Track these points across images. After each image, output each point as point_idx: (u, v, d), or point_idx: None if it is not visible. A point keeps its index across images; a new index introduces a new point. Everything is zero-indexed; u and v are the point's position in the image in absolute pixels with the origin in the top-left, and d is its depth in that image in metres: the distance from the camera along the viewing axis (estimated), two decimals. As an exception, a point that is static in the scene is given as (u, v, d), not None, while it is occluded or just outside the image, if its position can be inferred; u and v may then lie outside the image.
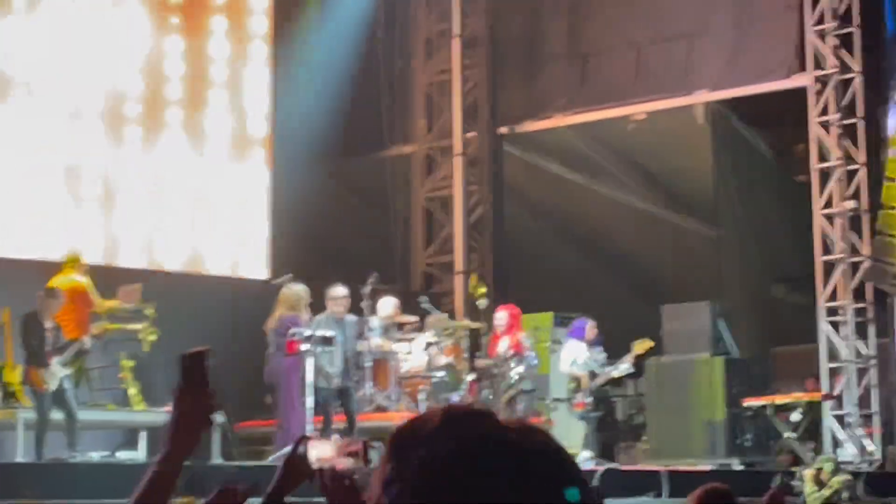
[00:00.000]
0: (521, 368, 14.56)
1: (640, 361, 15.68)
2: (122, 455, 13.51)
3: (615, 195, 20.14)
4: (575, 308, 16.43)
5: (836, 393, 16.39)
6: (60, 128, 15.51)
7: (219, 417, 11.39)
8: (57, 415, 12.34)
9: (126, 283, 14.56)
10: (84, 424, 12.83)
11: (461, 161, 19.48)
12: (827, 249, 16.65)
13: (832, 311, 16.59)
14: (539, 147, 20.09)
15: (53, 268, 13.95)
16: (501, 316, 14.88)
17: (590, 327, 15.27)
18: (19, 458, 12.22)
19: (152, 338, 13.91)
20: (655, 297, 17.71)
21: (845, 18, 16.64)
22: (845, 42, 16.70)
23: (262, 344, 13.44)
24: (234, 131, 17.02)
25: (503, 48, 19.74)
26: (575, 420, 14.97)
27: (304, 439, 3.17)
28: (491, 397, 14.73)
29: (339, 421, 13.42)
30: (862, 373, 16.48)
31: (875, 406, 16.45)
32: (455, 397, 14.61)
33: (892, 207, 15.84)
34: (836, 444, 16.17)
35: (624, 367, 15.12)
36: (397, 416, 14.15)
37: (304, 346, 12.91)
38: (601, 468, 13.25)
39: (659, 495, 13.21)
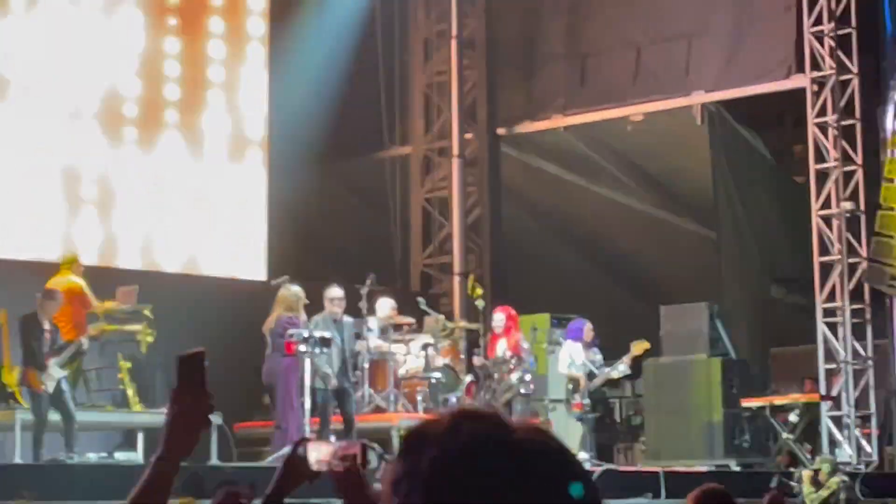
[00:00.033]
0: (520, 373, 14.56)
1: (637, 362, 15.69)
2: (120, 456, 13.50)
3: (613, 196, 20.14)
4: (573, 309, 16.44)
5: (833, 394, 16.40)
6: (58, 129, 15.51)
7: (216, 418, 11.37)
8: (54, 416, 12.34)
9: (123, 284, 14.55)
10: (82, 425, 12.83)
11: (459, 162, 19.47)
12: (825, 250, 16.66)
13: (830, 312, 16.60)
14: (537, 148, 20.09)
15: (51, 269, 13.95)
16: (499, 317, 14.89)
17: (587, 329, 15.28)
18: (17, 460, 12.21)
19: (150, 339, 13.91)
20: (653, 297, 17.71)
21: (843, 20, 16.65)
22: (843, 43, 16.71)
23: (260, 345, 13.44)
24: (232, 132, 17.01)
25: (501, 49, 19.75)
26: (573, 421, 14.97)
27: (303, 441, 3.18)
28: (488, 397, 14.73)
29: (336, 422, 13.41)
30: (859, 374, 16.49)
31: (872, 407, 16.46)
32: (453, 398, 14.61)
33: (891, 208, 15.85)
34: (834, 444, 16.19)
35: (621, 368, 15.13)
36: (395, 417, 14.16)
37: (302, 347, 12.91)
38: (599, 469, 13.26)
39: (657, 496, 13.22)
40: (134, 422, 13.83)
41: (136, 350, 14.06)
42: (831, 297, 16.58)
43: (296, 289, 13.48)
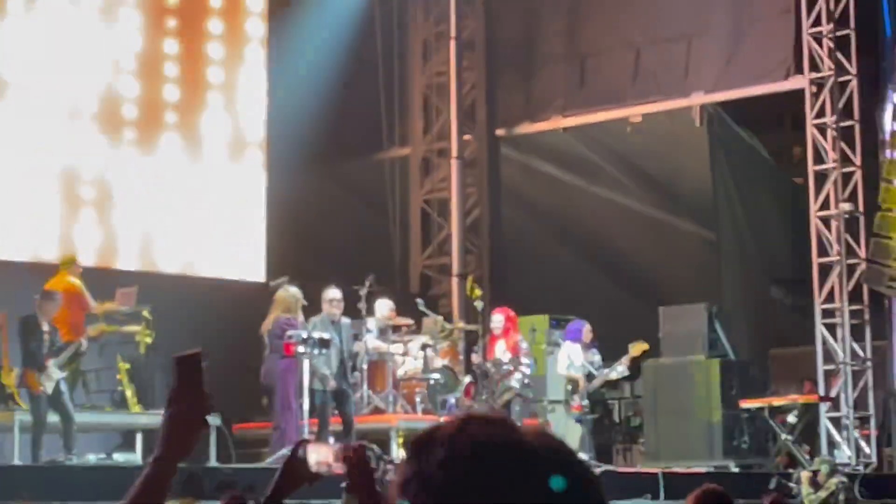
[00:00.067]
0: (519, 374, 14.56)
1: (636, 363, 15.69)
2: (119, 457, 13.50)
3: (613, 197, 20.14)
4: (572, 310, 16.44)
5: (832, 395, 16.40)
6: (57, 130, 15.50)
7: (215, 420, 11.35)
8: (53, 417, 12.34)
9: (123, 285, 14.56)
10: (80, 426, 12.83)
11: (458, 163, 19.48)
12: (823, 251, 16.66)
13: (829, 313, 16.60)
14: (536, 149, 20.09)
15: (49, 270, 13.96)
16: (498, 318, 14.89)
17: (587, 330, 15.28)
18: (16, 461, 12.21)
19: (149, 340, 13.92)
20: (652, 299, 17.71)
21: (842, 21, 16.65)
22: (842, 44, 16.72)
23: (259, 346, 13.44)
24: (231, 134, 17.01)
25: (500, 50, 19.75)
26: (572, 422, 14.97)
27: (303, 442, 3.18)
28: (486, 398, 14.73)
29: (335, 423, 13.41)
30: (858, 375, 16.50)
31: (871, 408, 16.46)
32: (451, 399, 14.62)
33: (889, 210, 15.85)
34: (833, 445, 16.19)
35: (620, 369, 15.13)
36: (394, 419, 14.16)
37: (300, 349, 12.90)
38: (598, 470, 13.25)
39: (656, 497, 13.22)
40: (133, 423, 13.83)
41: (135, 351, 14.07)
42: (830, 298, 16.58)
43: (294, 290, 13.48)
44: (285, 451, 12.32)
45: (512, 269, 19.82)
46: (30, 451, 12.21)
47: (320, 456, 3.08)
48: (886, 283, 15.99)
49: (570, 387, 15.22)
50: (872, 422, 16.50)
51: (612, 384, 16.00)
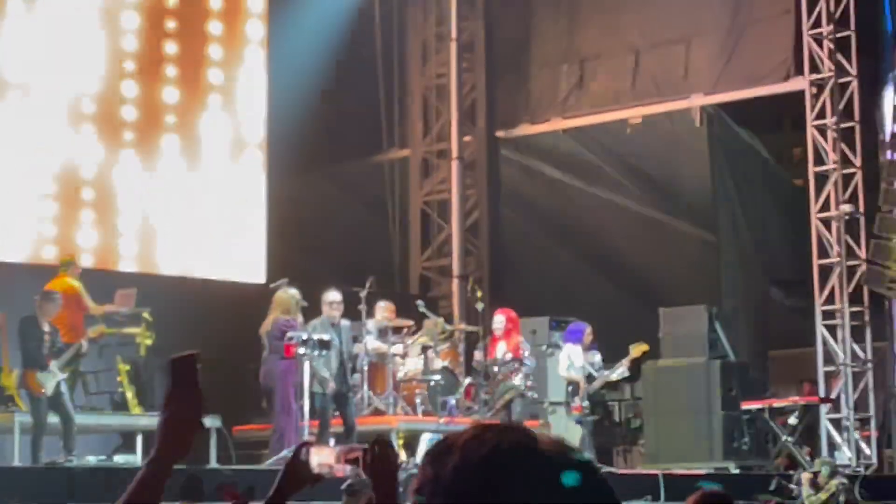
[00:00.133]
0: (522, 374, 14.55)
1: (636, 365, 15.68)
2: (119, 459, 13.51)
3: (612, 198, 20.13)
4: (572, 312, 16.43)
5: (832, 396, 16.40)
6: (56, 131, 15.50)
7: (215, 421, 11.34)
8: (53, 419, 12.34)
9: (122, 287, 14.56)
10: (81, 428, 12.83)
11: (458, 165, 19.48)
12: (824, 253, 16.66)
13: (829, 315, 16.60)
14: (536, 151, 20.08)
15: (49, 271, 13.96)
16: (499, 319, 14.88)
17: (587, 332, 15.28)
18: (16, 462, 12.21)
19: (149, 342, 13.91)
20: (652, 300, 17.69)
21: (842, 22, 16.65)
22: (842, 46, 16.71)
23: (259, 348, 13.44)
24: (231, 135, 17.00)
25: (500, 52, 19.75)
26: (572, 424, 14.96)
27: (305, 444, 3.18)
28: (486, 398, 14.73)
29: (336, 425, 13.40)
30: (858, 376, 16.49)
31: (871, 409, 16.46)
32: (452, 401, 14.61)
33: (890, 211, 15.85)
34: (833, 447, 16.19)
35: (620, 370, 15.13)
36: (394, 420, 14.15)
37: (301, 350, 12.90)
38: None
39: (656, 499, 13.21)
40: (133, 424, 13.83)
41: (135, 353, 14.07)
42: (830, 299, 16.58)
43: (292, 291, 13.47)
44: (286, 452, 12.34)
45: (512, 270, 19.82)
46: (30, 452, 12.20)
47: (322, 458, 3.08)
48: (887, 285, 15.99)
49: (570, 388, 15.21)
50: (873, 423, 16.49)
51: (613, 385, 15.99)
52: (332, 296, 13.53)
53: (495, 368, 14.68)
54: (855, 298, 16.51)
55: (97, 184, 15.80)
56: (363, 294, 14.46)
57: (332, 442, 13.05)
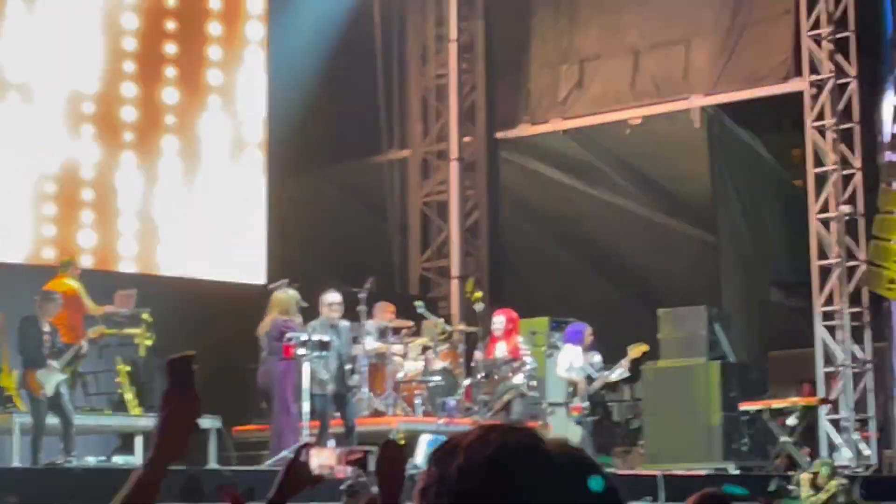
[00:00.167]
0: (523, 374, 14.54)
1: (636, 366, 15.68)
2: (119, 460, 13.50)
3: (612, 199, 20.14)
4: (571, 312, 16.44)
5: (832, 397, 16.40)
6: (56, 131, 15.50)
7: (215, 422, 11.34)
8: (53, 419, 12.33)
9: (122, 287, 14.56)
10: (80, 429, 12.82)
11: (458, 165, 19.49)
12: (823, 254, 16.66)
13: (828, 316, 16.60)
14: (536, 151, 20.09)
15: (48, 271, 13.95)
16: (499, 320, 14.87)
17: (587, 333, 15.28)
18: (16, 463, 12.21)
19: (148, 342, 13.91)
20: (652, 301, 17.70)
21: (841, 23, 16.65)
22: (841, 47, 16.71)
23: (259, 348, 13.44)
24: (231, 136, 17.01)
25: (500, 52, 19.75)
26: (571, 424, 14.96)
27: (305, 446, 3.19)
28: (485, 398, 14.72)
29: (336, 426, 13.39)
30: (858, 377, 16.49)
31: (871, 410, 16.46)
32: (451, 402, 14.61)
33: (889, 212, 15.85)
34: (833, 448, 16.19)
35: (620, 371, 15.13)
36: (394, 421, 14.15)
37: (300, 351, 12.89)
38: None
39: (656, 500, 13.21)
40: (132, 425, 13.83)
41: (135, 354, 14.07)
42: (830, 300, 16.58)
43: (291, 292, 13.47)
44: (286, 453, 12.34)
45: (511, 271, 19.83)
46: (29, 453, 12.20)
47: (322, 459, 3.08)
48: (886, 286, 15.99)
49: (569, 389, 15.21)
50: (872, 424, 16.49)
51: (612, 386, 15.99)
52: (332, 297, 13.52)
53: (495, 369, 14.68)
54: (854, 299, 16.51)
55: (97, 184, 15.80)
56: (363, 295, 14.46)
57: (331, 443, 13.05)
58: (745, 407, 15.95)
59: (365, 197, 20.52)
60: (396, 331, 15.26)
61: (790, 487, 13.84)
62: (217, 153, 16.84)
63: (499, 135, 19.75)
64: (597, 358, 15.32)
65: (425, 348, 15.19)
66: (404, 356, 15.12)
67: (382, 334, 14.97)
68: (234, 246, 16.81)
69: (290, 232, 17.47)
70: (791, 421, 15.82)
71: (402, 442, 13.44)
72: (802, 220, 17.09)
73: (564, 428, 14.85)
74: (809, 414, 16.05)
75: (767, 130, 19.67)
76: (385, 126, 19.64)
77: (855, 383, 16.45)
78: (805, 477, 13.81)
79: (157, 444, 2.55)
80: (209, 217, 16.63)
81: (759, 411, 15.90)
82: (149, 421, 13.22)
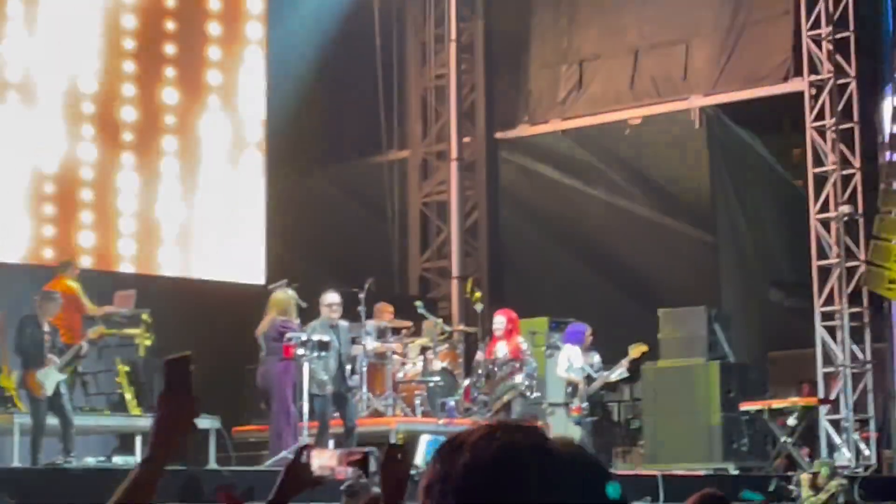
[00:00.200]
0: (524, 374, 14.54)
1: (636, 366, 15.68)
2: (118, 460, 13.49)
3: (611, 200, 20.13)
4: (571, 313, 16.44)
5: (832, 397, 16.40)
6: (55, 131, 15.50)
7: (215, 422, 11.34)
8: (53, 420, 12.33)
9: (121, 288, 14.56)
10: (80, 429, 12.82)
11: (457, 166, 19.48)
12: (823, 254, 16.66)
13: (828, 316, 16.60)
14: (535, 151, 20.08)
15: (47, 271, 13.95)
16: (500, 320, 14.85)
17: (587, 334, 15.28)
18: (15, 463, 12.21)
19: (148, 343, 13.91)
20: (652, 301, 17.70)
21: (841, 23, 16.65)
22: (841, 47, 16.71)
23: (258, 349, 13.43)
24: (230, 136, 17.00)
25: (499, 52, 19.75)
26: (571, 424, 14.96)
27: (306, 447, 3.19)
28: (483, 397, 14.72)
29: (336, 426, 13.38)
30: (858, 377, 16.49)
31: (871, 410, 16.46)
32: (451, 402, 14.61)
33: (889, 212, 15.84)
34: (832, 448, 16.18)
35: (620, 371, 15.13)
36: (393, 421, 14.15)
37: (300, 351, 12.89)
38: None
39: (655, 500, 13.21)
40: (132, 425, 13.82)
41: (135, 354, 14.07)
42: (829, 300, 16.58)
43: (290, 292, 13.47)
44: (285, 453, 12.34)
45: (511, 271, 19.82)
46: (29, 453, 12.20)
47: (323, 461, 3.07)
48: (886, 286, 15.98)
49: (569, 389, 15.22)
50: (872, 424, 16.49)
51: (612, 386, 15.99)
52: (331, 297, 13.52)
53: (496, 369, 14.67)
54: (854, 299, 16.51)
55: (96, 184, 15.80)
56: (362, 295, 14.46)
57: (331, 444, 13.05)
58: (744, 407, 15.95)
59: (364, 197, 20.51)
60: (396, 331, 15.25)
61: (790, 488, 13.84)
62: (216, 153, 16.84)
63: (498, 135, 19.75)
64: (596, 358, 15.33)
65: (425, 349, 15.18)
66: (404, 356, 15.12)
67: (381, 335, 14.97)
68: (233, 246, 16.81)
69: (290, 232, 17.47)
70: (791, 421, 15.82)
71: (402, 442, 13.45)
72: (802, 220, 17.09)
73: (564, 428, 14.85)
74: (809, 414, 16.05)
75: (767, 130, 19.66)
76: (384, 126, 19.63)
77: (854, 383, 16.44)
78: (805, 477, 13.81)
79: (153, 445, 2.56)
80: (208, 217, 16.63)
81: (759, 411, 15.90)
82: (148, 421, 13.16)
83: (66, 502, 10.28)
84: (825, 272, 16.62)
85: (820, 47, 16.79)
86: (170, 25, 16.61)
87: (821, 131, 16.80)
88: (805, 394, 16.62)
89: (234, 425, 14.53)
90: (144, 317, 14.01)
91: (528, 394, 14.63)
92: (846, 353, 16.45)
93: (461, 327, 16.63)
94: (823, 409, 16.32)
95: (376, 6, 18.93)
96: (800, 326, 17.39)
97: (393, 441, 13.17)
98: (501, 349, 14.70)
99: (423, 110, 19.91)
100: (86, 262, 15.18)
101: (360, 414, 14.03)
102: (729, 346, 16.54)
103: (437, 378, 14.91)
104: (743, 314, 18.52)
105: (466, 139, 19.61)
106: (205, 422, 13.10)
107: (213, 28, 17.04)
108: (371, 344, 14.62)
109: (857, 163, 16.61)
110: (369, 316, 14.73)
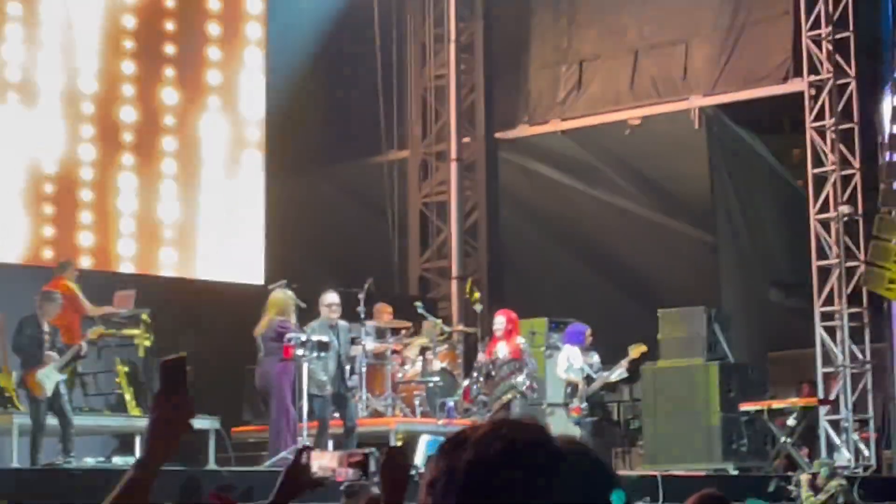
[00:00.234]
0: (524, 374, 14.53)
1: (635, 366, 15.68)
2: (118, 460, 13.49)
3: (611, 200, 20.13)
4: (571, 313, 16.44)
5: (831, 398, 16.40)
6: (55, 131, 15.49)
7: (214, 422, 11.34)
8: (52, 420, 12.33)
9: (121, 288, 14.56)
10: (79, 430, 12.81)
11: (457, 166, 19.48)
12: (822, 254, 16.65)
13: (828, 316, 16.60)
14: (535, 152, 20.08)
15: (46, 272, 13.95)
16: (500, 320, 14.85)
17: (587, 334, 15.28)
18: (15, 464, 12.20)
19: (147, 343, 13.91)
20: (651, 301, 17.70)
21: (841, 23, 16.64)
22: (841, 47, 16.71)
23: (257, 349, 13.43)
24: (230, 136, 17.01)
25: (499, 53, 19.75)
26: (571, 425, 14.96)
27: (306, 449, 3.18)
28: (481, 397, 14.72)
29: (336, 426, 13.38)
30: (857, 377, 16.49)
31: (870, 411, 16.46)
32: (450, 402, 14.61)
33: (889, 212, 15.84)
34: (832, 448, 16.18)
35: (619, 371, 15.13)
36: (393, 422, 14.15)
37: (300, 351, 12.88)
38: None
39: (655, 500, 13.21)
40: (131, 426, 13.82)
41: (134, 354, 14.07)
42: (829, 300, 16.58)
43: (288, 292, 13.46)
44: (285, 453, 12.34)
45: (511, 271, 19.82)
46: (28, 454, 12.19)
47: (323, 462, 3.07)
48: (885, 286, 15.98)
49: (569, 390, 15.21)
50: (872, 424, 16.49)
51: (611, 387, 15.99)
52: (330, 297, 13.52)
53: (496, 369, 14.67)
54: (854, 300, 16.50)
55: (96, 185, 15.80)
56: (361, 296, 14.45)
57: (330, 444, 13.05)
58: (744, 407, 15.94)
59: (364, 198, 20.51)
60: (395, 332, 15.25)
61: (789, 488, 13.84)
62: (216, 154, 16.84)
63: (498, 135, 19.75)
64: (596, 358, 15.33)
65: (424, 349, 15.18)
66: (403, 357, 15.11)
67: (381, 335, 14.97)
68: (232, 246, 16.81)
69: (289, 233, 17.46)
70: (790, 421, 15.81)
71: (401, 443, 13.46)
72: (802, 220, 17.09)
73: (563, 429, 14.83)
74: (809, 414, 16.05)
75: (767, 130, 19.66)
76: (384, 127, 19.62)
77: (854, 384, 16.44)
78: (804, 477, 13.81)
79: (148, 446, 2.56)
80: (208, 217, 16.63)
81: (759, 412, 15.90)
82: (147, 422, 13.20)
83: (65, 503, 10.28)
84: (825, 272, 16.62)
85: (820, 47, 16.79)
86: (169, 26, 16.61)
87: (821, 131, 16.80)
88: (805, 394, 16.62)
89: (233, 425, 14.52)
90: (144, 317, 14.01)
91: (528, 394, 14.63)
92: (846, 353, 16.45)
93: (461, 328, 16.63)
94: (823, 410, 16.32)
95: (376, 6, 18.93)
96: (799, 326, 17.39)
97: (393, 443, 13.17)
98: (502, 349, 14.70)
99: (423, 110, 19.91)
100: (85, 262, 15.18)
101: (360, 414, 14.02)
102: (729, 346, 16.53)
103: (436, 378, 14.91)
104: (743, 314, 18.51)
105: (466, 139, 19.61)
106: (204, 422, 13.10)
107: (213, 28, 17.04)
108: (370, 344, 14.61)
109: (856, 163, 16.61)
110: (369, 316, 14.72)
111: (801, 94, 16.94)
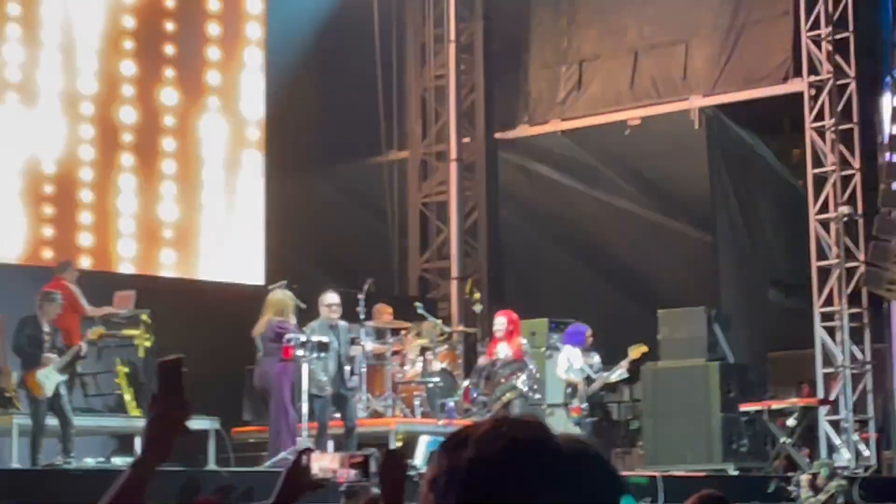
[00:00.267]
0: (525, 375, 14.53)
1: (635, 366, 15.68)
2: (118, 461, 13.49)
3: (611, 200, 20.13)
4: (571, 313, 16.44)
5: (831, 398, 16.40)
6: (55, 132, 15.50)
7: (214, 423, 11.32)
8: (52, 421, 12.32)
9: (121, 288, 14.56)
10: (79, 430, 12.81)
11: (457, 166, 19.47)
12: (822, 255, 16.65)
13: (828, 317, 16.60)
14: (535, 152, 20.08)
15: (46, 272, 13.95)
16: (500, 321, 14.85)
17: (587, 335, 15.28)
18: (15, 464, 12.20)
19: (147, 343, 13.91)
20: (651, 302, 17.70)
21: (840, 24, 16.64)
22: (840, 47, 16.71)
23: (257, 350, 13.43)
24: (230, 137, 17.01)
25: (499, 53, 19.74)
26: (571, 425, 14.96)
27: (306, 451, 3.18)
28: (481, 397, 14.71)
29: (335, 426, 13.38)
30: (857, 378, 16.49)
31: (870, 411, 16.46)
32: (450, 403, 14.60)
33: (889, 212, 15.83)
34: (832, 449, 16.18)
35: (619, 372, 15.13)
36: (393, 422, 14.15)
37: (300, 352, 12.88)
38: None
39: (655, 501, 13.21)
40: (131, 427, 13.82)
41: (134, 355, 14.07)
42: (829, 301, 16.58)
43: (287, 292, 13.46)
44: (284, 454, 12.33)
45: (510, 272, 19.81)
46: (28, 454, 12.19)
47: (323, 464, 3.07)
48: (885, 286, 15.98)
49: (569, 390, 15.21)
50: (872, 425, 16.49)
51: (611, 387, 15.99)
52: (330, 298, 13.51)
53: (496, 370, 14.67)
54: (854, 300, 16.50)
55: (96, 185, 15.80)
56: (361, 296, 14.45)
57: (330, 445, 13.05)
58: (744, 408, 15.95)
59: (364, 198, 20.51)
60: (395, 332, 15.25)
61: (790, 488, 13.84)
62: (216, 154, 16.84)
63: (498, 135, 19.74)
64: (596, 359, 15.33)
65: (424, 349, 15.18)
66: (403, 357, 15.11)
67: (380, 336, 14.96)
68: (232, 247, 16.81)
69: (289, 233, 17.47)
70: (790, 422, 15.82)
71: (401, 443, 13.45)
72: (802, 220, 17.09)
73: (563, 429, 14.81)
74: (809, 415, 16.05)
75: (767, 131, 19.66)
76: (384, 127, 19.62)
77: (854, 384, 16.44)
78: (804, 478, 13.81)
79: (145, 446, 2.56)
80: (208, 217, 16.63)
81: (759, 412, 15.90)
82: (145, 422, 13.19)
83: (65, 503, 10.28)
84: (825, 273, 16.61)
85: (819, 48, 16.79)
86: (169, 26, 16.61)
87: (820, 132, 16.80)
88: (805, 394, 16.62)
89: (233, 426, 14.52)
90: (144, 317, 14.01)
91: (529, 394, 14.63)
92: (846, 353, 16.45)
93: (461, 328, 16.62)
94: (823, 410, 16.32)
95: (375, 6, 18.92)
96: (799, 327, 17.38)
97: (392, 446, 13.17)
98: (503, 350, 14.70)
99: (423, 111, 19.91)
100: (85, 262, 15.18)
101: (360, 415, 14.01)
102: (728, 346, 16.54)
103: (436, 379, 14.90)
104: (743, 314, 18.51)
105: (466, 139, 19.60)
106: (204, 422, 13.10)
107: (213, 28, 17.04)
108: (370, 345, 14.61)
109: (856, 163, 16.61)
110: (368, 317, 14.71)
111: (801, 94, 16.94)
